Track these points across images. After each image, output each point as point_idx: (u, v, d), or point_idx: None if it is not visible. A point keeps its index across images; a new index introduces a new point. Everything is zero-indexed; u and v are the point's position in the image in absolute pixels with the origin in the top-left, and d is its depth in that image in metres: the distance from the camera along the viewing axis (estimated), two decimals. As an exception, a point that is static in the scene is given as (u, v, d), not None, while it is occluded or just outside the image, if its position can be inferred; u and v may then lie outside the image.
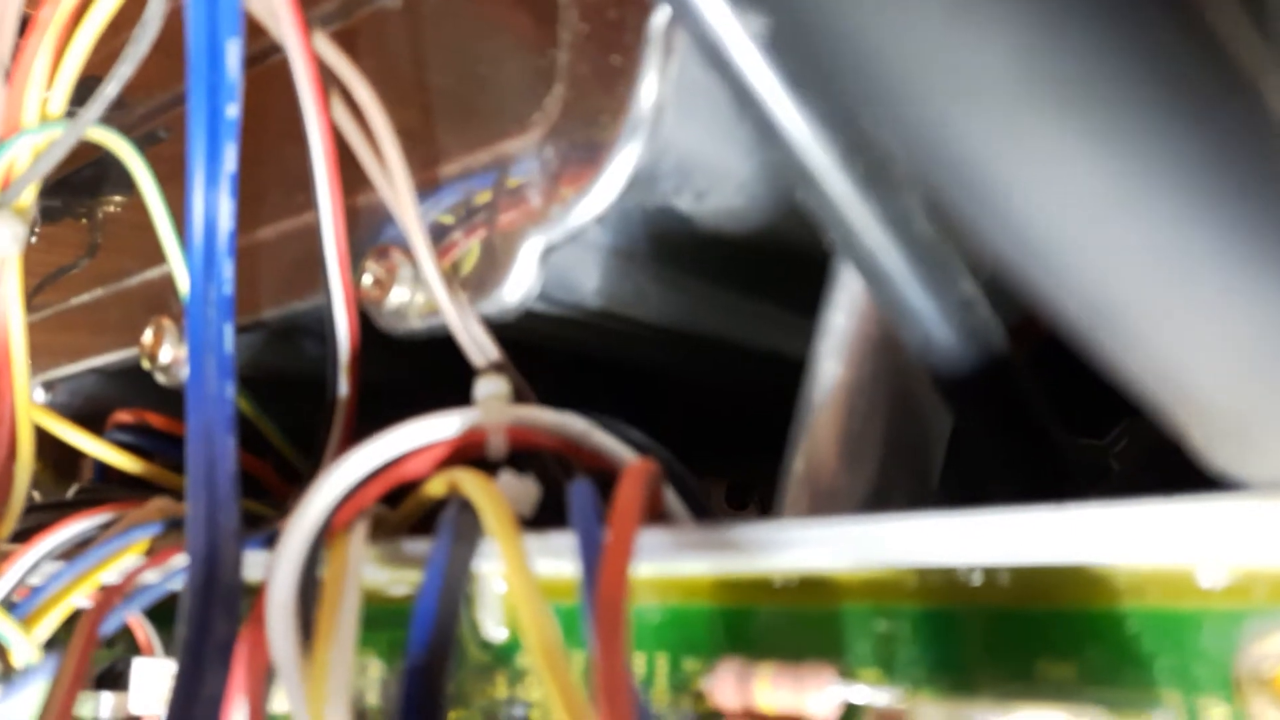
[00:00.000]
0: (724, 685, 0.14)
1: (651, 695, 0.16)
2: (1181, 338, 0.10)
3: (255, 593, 0.17)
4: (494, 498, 0.16)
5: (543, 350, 0.23)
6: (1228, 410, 0.11)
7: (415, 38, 0.23)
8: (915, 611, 0.14)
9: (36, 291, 0.34)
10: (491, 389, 0.20)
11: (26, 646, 0.20)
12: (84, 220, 0.33)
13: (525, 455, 0.19)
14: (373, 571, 0.18)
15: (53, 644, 0.20)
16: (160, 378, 0.28)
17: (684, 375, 0.29)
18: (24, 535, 0.23)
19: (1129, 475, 0.23)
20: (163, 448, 0.31)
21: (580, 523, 0.15)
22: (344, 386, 0.23)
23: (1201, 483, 0.12)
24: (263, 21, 0.22)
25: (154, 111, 0.30)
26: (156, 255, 0.25)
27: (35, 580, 0.21)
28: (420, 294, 0.22)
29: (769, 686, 0.14)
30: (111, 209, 0.32)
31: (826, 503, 0.18)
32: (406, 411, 0.19)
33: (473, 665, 0.18)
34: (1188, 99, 0.09)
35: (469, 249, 0.21)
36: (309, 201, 0.22)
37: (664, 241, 0.22)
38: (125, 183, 0.25)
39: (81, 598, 0.21)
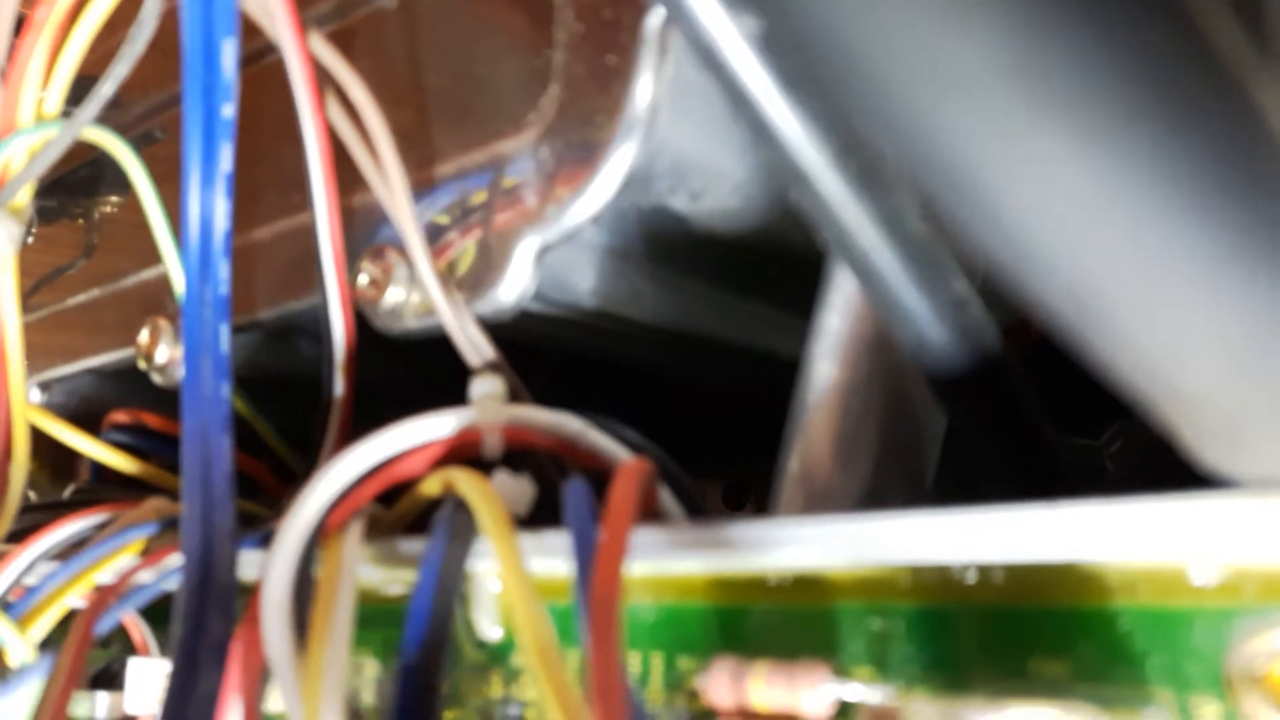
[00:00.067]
0: (718, 684, 0.14)
1: (646, 694, 0.16)
2: (1170, 336, 0.10)
3: (250, 592, 0.17)
4: (489, 497, 0.16)
5: (538, 350, 0.23)
6: (1217, 408, 0.11)
7: (411, 38, 0.23)
8: (909, 610, 0.14)
9: (33, 292, 0.34)
10: (487, 388, 0.20)
11: (22, 646, 0.20)
12: (80, 221, 0.33)
13: (520, 455, 0.19)
14: (368, 571, 0.18)
15: (48, 644, 0.20)
16: (156, 378, 0.28)
17: (679, 375, 0.29)
18: (20, 535, 0.23)
19: (1123, 475, 0.23)
20: (159, 448, 0.31)
21: (575, 522, 0.15)
22: (339, 386, 0.23)
23: (1195, 482, 0.12)
24: (258, 21, 0.22)
25: (150, 111, 0.30)
26: (153, 255, 0.25)
27: (31, 580, 0.21)
28: (416, 294, 0.22)
29: (763, 685, 0.14)
30: (108, 209, 0.32)
31: (821, 502, 0.18)
32: (402, 411, 0.19)
33: (468, 665, 0.18)
34: (1174, 98, 0.09)
35: (465, 249, 0.21)
36: (305, 202, 0.22)
37: (659, 241, 0.22)
38: (121, 183, 0.25)
39: (77, 598, 0.21)
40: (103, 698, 0.22)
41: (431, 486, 0.18)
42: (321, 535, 0.17)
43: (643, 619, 0.16)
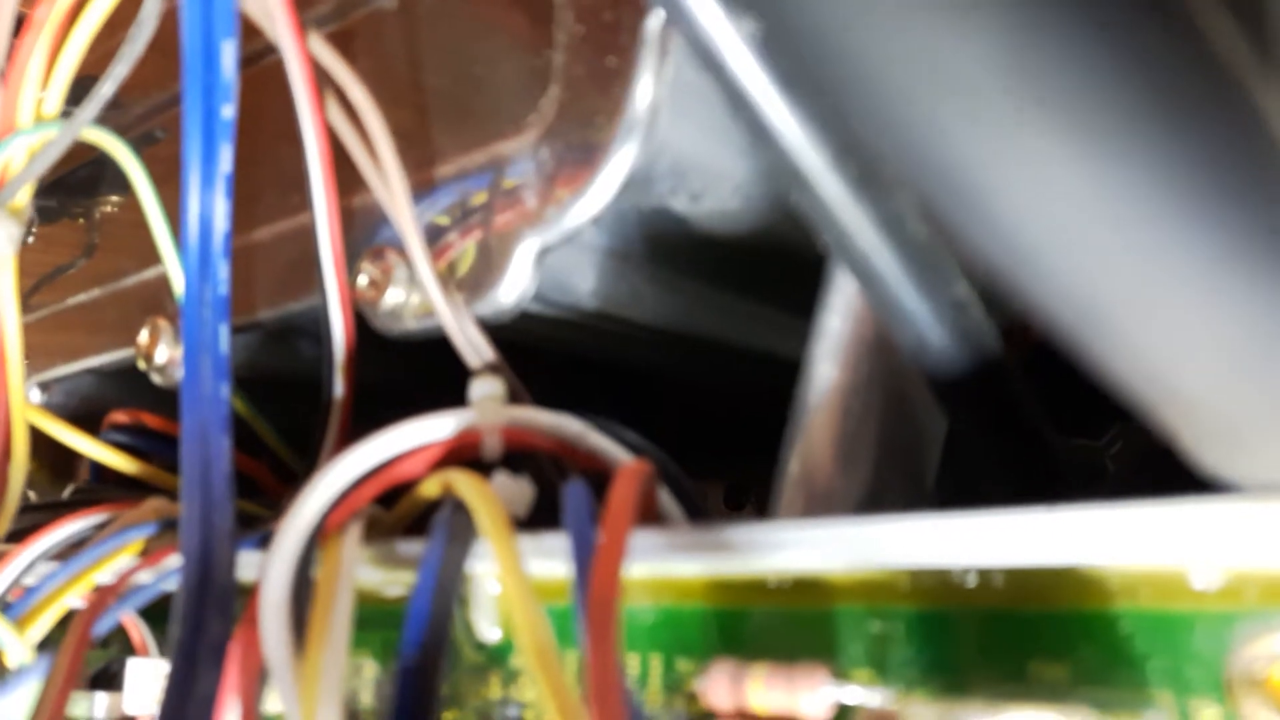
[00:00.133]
0: (717, 686, 0.14)
1: (645, 696, 0.16)
2: (1169, 339, 0.10)
3: (250, 593, 0.17)
4: (488, 499, 0.16)
5: (538, 351, 0.23)
6: (1216, 411, 0.11)
7: (411, 39, 0.23)
8: (908, 613, 0.14)
9: (33, 292, 0.34)
10: (486, 390, 0.20)
11: (20, 647, 0.20)
12: (81, 220, 0.33)
13: (520, 456, 0.19)
14: (367, 572, 0.18)
15: (47, 644, 0.20)
16: (156, 378, 0.28)
17: (680, 376, 0.29)
18: (19, 535, 0.23)
19: (1124, 477, 0.23)
20: (158, 448, 0.31)
21: (573, 523, 0.15)
22: (339, 387, 0.23)
23: (1196, 484, 0.12)
24: (258, 22, 0.22)
25: (150, 112, 0.30)
26: (153, 255, 0.25)
27: (30, 580, 0.21)
28: (415, 295, 0.22)
29: (762, 687, 0.14)
30: (108, 209, 0.32)
31: (821, 505, 0.18)
32: (402, 412, 0.19)
33: (467, 666, 0.18)
34: (1172, 101, 0.09)
35: (465, 250, 0.21)
36: (304, 202, 0.22)
37: (660, 243, 0.22)
38: (122, 183, 0.25)
39: (75, 598, 0.21)
40: (101, 698, 0.22)
41: (431, 488, 0.18)
42: (320, 536, 0.17)
43: (642, 621, 0.16)
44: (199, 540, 0.18)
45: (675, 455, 0.19)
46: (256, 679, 0.16)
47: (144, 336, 0.28)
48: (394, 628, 0.16)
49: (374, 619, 0.19)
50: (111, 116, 0.29)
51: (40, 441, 0.29)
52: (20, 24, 0.24)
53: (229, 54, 0.20)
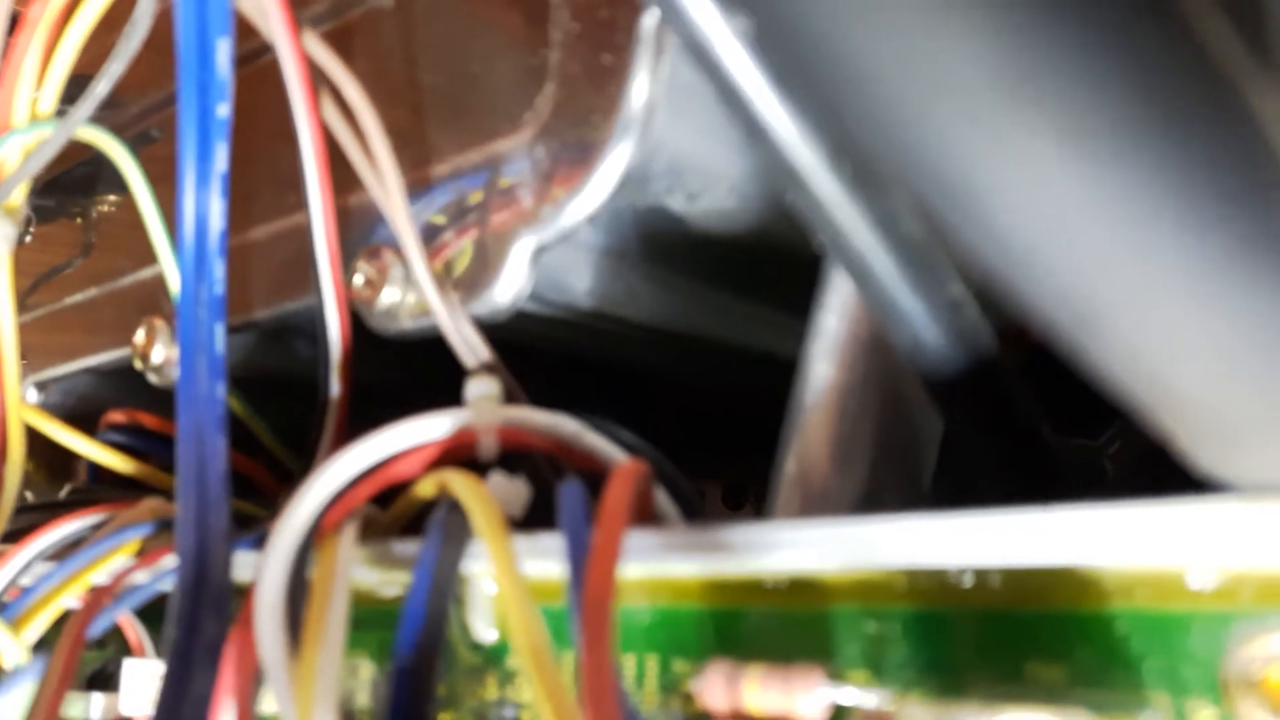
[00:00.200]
0: (713, 687, 0.14)
1: (641, 697, 0.16)
2: (1164, 340, 0.10)
3: (245, 593, 0.17)
4: (483, 499, 0.16)
5: (534, 351, 0.23)
6: (1211, 412, 0.11)
7: (407, 37, 0.23)
8: (905, 613, 0.14)
9: (30, 291, 0.34)
10: (482, 390, 0.20)
11: (15, 648, 0.20)
12: (78, 220, 0.33)
13: (516, 456, 0.19)
14: (363, 573, 0.18)
15: (43, 645, 0.20)
16: (152, 378, 0.28)
17: (677, 376, 0.29)
18: (15, 536, 0.23)
19: (1122, 476, 0.23)
20: (155, 448, 0.31)
21: (568, 523, 0.15)
22: (335, 387, 0.22)
23: (1194, 483, 0.12)
24: (253, 20, 0.22)
25: (147, 111, 0.30)
26: (150, 255, 0.25)
27: (26, 581, 0.21)
28: (411, 294, 0.22)
29: (758, 688, 0.14)
30: (106, 208, 0.32)
31: (818, 504, 0.18)
32: (398, 412, 0.19)
33: (463, 667, 0.18)
34: (1168, 102, 0.09)
35: (461, 249, 0.21)
36: (300, 202, 0.22)
37: (656, 242, 0.22)
38: (119, 182, 0.25)
39: (71, 599, 0.21)
40: (98, 699, 0.22)
41: (426, 488, 0.18)
42: (316, 536, 0.17)
43: (638, 622, 0.16)
44: (194, 540, 0.18)
45: (672, 455, 0.19)
46: (252, 679, 0.16)
47: (140, 336, 0.28)
48: (390, 628, 0.16)
49: (370, 620, 0.19)
50: (108, 116, 0.29)
51: (37, 442, 0.29)
52: (15, 22, 0.24)
53: (224, 52, 0.20)
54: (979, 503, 0.13)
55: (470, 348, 0.21)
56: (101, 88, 0.23)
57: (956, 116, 0.09)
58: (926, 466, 0.19)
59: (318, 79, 0.22)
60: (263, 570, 0.16)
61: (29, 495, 0.33)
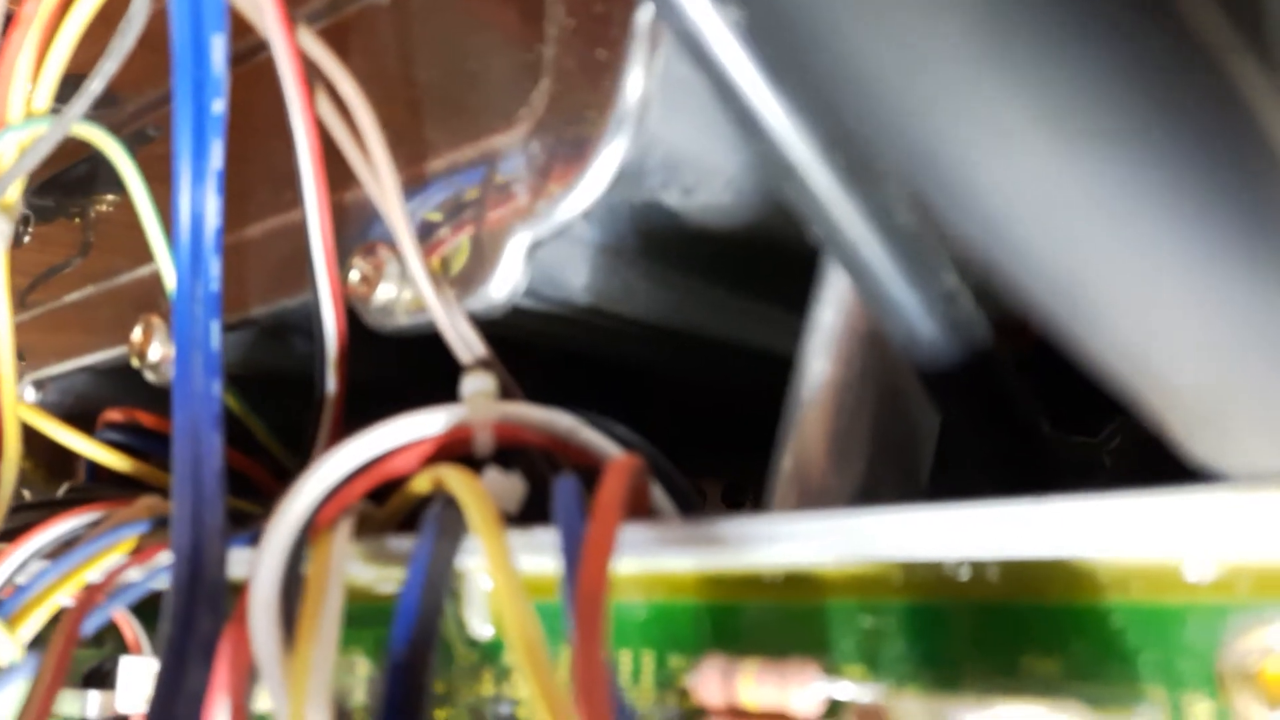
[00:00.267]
0: (708, 682, 0.14)
1: (637, 693, 0.16)
2: (1156, 328, 0.10)
3: (241, 590, 0.17)
4: (478, 494, 0.16)
5: (530, 347, 0.23)
6: (1204, 401, 0.11)
7: (402, 34, 0.23)
8: (901, 607, 0.14)
9: (29, 290, 0.34)
10: (478, 385, 0.20)
11: (10, 645, 0.20)
12: (77, 219, 0.33)
13: (512, 452, 0.19)
14: (359, 569, 0.18)
15: (38, 643, 0.20)
16: (149, 376, 0.28)
17: (673, 372, 0.29)
18: (12, 534, 0.23)
19: (1121, 473, 0.23)
20: (153, 446, 0.31)
21: (563, 517, 0.15)
22: (332, 383, 0.22)
23: (1192, 478, 0.12)
24: (248, 17, 0.22)
25: (144, 109, 0.30)
26: (147, 253, 0.25)
27: (22, 579, 0.21)
28: (407, 291, 0.22)
29: (753, 683, 0.14)
30: (104, 208, 0.32)
31: (815, 500, 0.18)
32: (394, 408, 0.19)
33: (460, 663, 0.18)
34: (1158, 90, 0.08)
35: (457, 246, 0.21)
36: (296, 199, 0.22)
37: (652, 237, 0.22)
38: (117, 181, 0.25)
39: (66, 596, 0.20)
40: (94, 696, 0.22)
41: (422, 484, 0.18)
42: (311, 533, 0.17)
43: (634, 617, 0.16)
44: (189, 537, 0.18)
45: (672, 452, 0.19)
46: (246, 676, 0.16)
47: (137, 334, 0.28)
48: (386, 625, 0.16)
49: (366, 616, 0.19)
50: (105, 114, 0.29)
51: (36, 440, 0.29)
52: (9, 19, 0.24)
53: (219, 49, 0.20)
54: (975, 496, 0.13)
55: (466, 344, 0.21)
56: (96, 85, 0.23)
57: (949, 105, 0.09)
58: (924, 462, 0.19)
59: (313, 76, 0.22)
60: (257, 566, 0.16)
61: (27, 494, 0.33)
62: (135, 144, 0.28)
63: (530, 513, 0.18)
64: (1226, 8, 0.09)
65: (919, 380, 0.17)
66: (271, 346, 0.28)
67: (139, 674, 0.21)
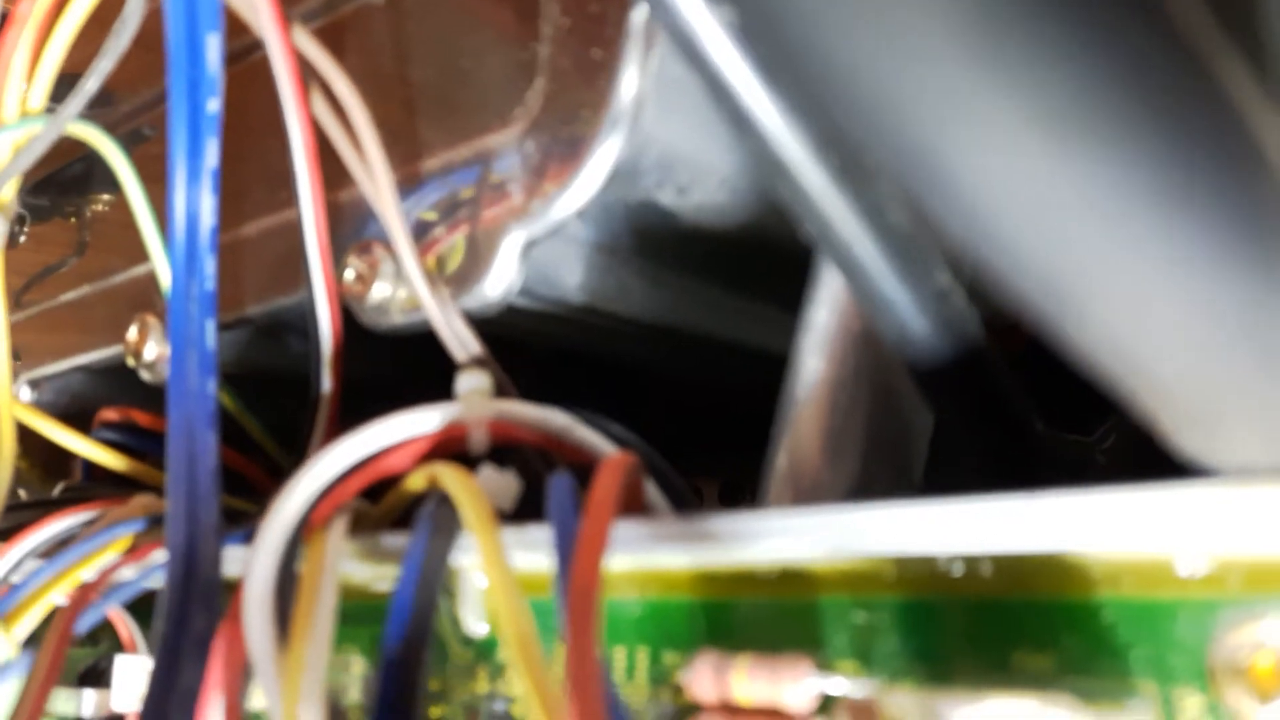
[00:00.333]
0: (701, 678, 0.14)
1: (631, 689, 0.16)
2: (1145, 324, 0.10)
3: (235, 588, 0.17)
4: (472, 492, 0.16)
5: (525, 346, 0.23)
6: (1194, 398, 0.11)
7: (397, 32, 0.23)
8: (894, 602, 0.14)
9: (25, 290, 0.34)
10: (473, 384, 0.20)
11: (4, 644, 0.20)
12: (73, 219, 0.33)
13: (507, 450, 0.19)
14: (354, 567, 0.18)
15: (33, 641, 0.20)
16: (145, 375, 0.28)
17: (669, 371, 0.29)
18: (7, 534, 0.23)
19: (1115, 470, 0.23)
20: (149, 446, 0.31)
21: (556, 514, 0.15)
22: (327, 382, 0.22)
23: (1185, 475, 0.12)
24: (243, 16, 0.22)
25: (139, 108, 0.30)
26: (143, 252, 0.25)
27: (17, 578, 0.21)
28: (402, 289, 0.22)
29: (746, 678, 0.14)
30: (99, 207, 0.32)
31: (809, 498, 0.18)
32: (390, 407, 0.19)
33: (454, 660, 0.18)
34: (1148, 87, 0.09)
35: (452, 244, 0.21)
36: (291, 197, 0.22)
37: (647, 236, 0.22)
38: (112, 180, 0.25)
39: (60, 595, 0.21)
40: (89, 695, 0.22)
41: (416, 482, 0.18)
42: (305, 531, 0.17)
43: (628, 614, 0.16)
44: (184, 535, 0.18)
45: (668, 451, 0.19)
46: (240, 673, 0.16)
47: (133, 333, 0.28)
48: (381, 623, 0.16)
49: (361, 614, 0.19)
50: (100, 114, 0.29)
51: (32, 440, 0.29)
52: (4, 19, 0.24)
53: (214, 48, 0.20)
54: (968, 492, 0.13)
55: (461, 342, 0.21)
56: (91, 84, 0.23)
57: (940, 105, 0.09)
58: (918, 460, 0.19)
59: (308, 75, 0.22)
60: (251, 564, 0.16)
61: (22, 493, 0.33)
62: (130, 143, 0.28)
63: (525, 511, 0.18)
64: (1216, 9, 0.09)
65: (912, 378, 0.17)
66: (266, 345, 0.28)
67: (134, 672, 0.21)
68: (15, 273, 0.33)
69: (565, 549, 0.14)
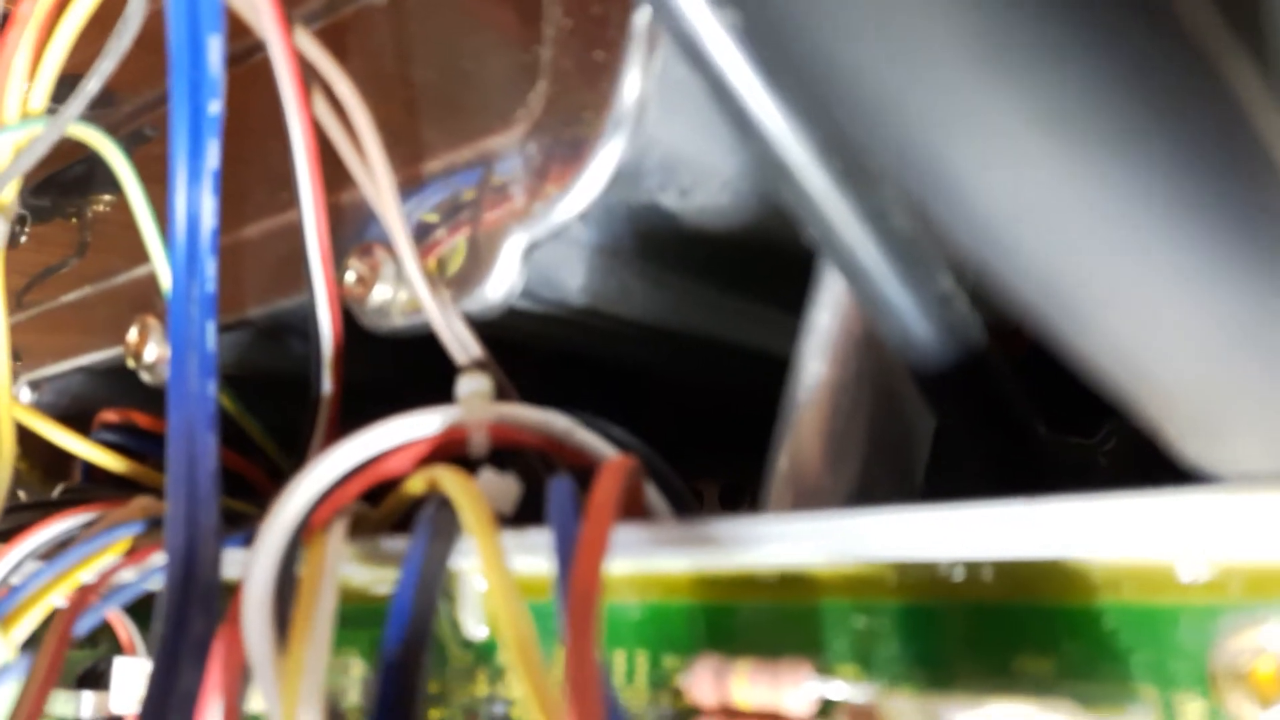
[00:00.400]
0: (701, 682, 0.14)
1: (631, 693, 0.16)
2: (1148, 330, 0.10)
3: (235, 591, 0.17)
4: (472, 495, 0.16)
5: (527, 348, 0.23)
6: (1197, 403, 0.11)
7: (400, 34, 0.23)
8: (894, 607, 0.14)
9: (25, 291, 0.34)
10: (474, 386, 0.20)
11: (3, 646, 0.20)
12: (74, 220, 0.33)
13: (508, 453, 0.19)
14: (354, 570, 0.18)
15: (32, 644, 0.20)
16: (145, 376, 0.28)
17: (670, 374, 0.29)
18: (6, 535, 0.23)
19: (1117, 474, 0.23)
20: (149, 447, 0.31)
21: (557, 517, 0.14)
22: (327, 384, 0.22)
23: (1187, 479, 0.12)
24: (245, 18, 0.22)
25: (140, 110, 0.30)
26: (144, 254, 0.25)
27: (16, 580, 0.21)
28: (403, 292, 0.22)
29: (746, 683, 0.14)
30: (100, 208, 0.32)
31: (810, 501, 0.18)
32: (390, 409, 0.19)
33: (454, 663, 0.18)
34: (1151, 92, 0.08)
35: (453, 247, 0.21)
36: (293, 199, 0.22)
37: (649, 239, 0.22)
38: (113, 181, 0.25)
39: (60, 597, 0.20)
40: (88, 697, 0.22)
41: (416, 485, 0.18)
42: (305, 534, 0.17)
43: (628, 618, 0.16)
44: (184, 537, 0.18)
45: (669, 454, 0.19)
46: (239, 676, 0.16)
47: (133, 335, 0.28)
48: (380, 626, 0.16)
49: (361, 617, 0.19)
50: (102, 115, 0.29)
51: (31, 441, 0.29)
52: (5, 20, 0.24)
53: (215, 49, 0.20)
54: (969, 497, 0.13)
55: (462, 345, 0.21)
56: (92, 85, 0.23)
57: (944, 108, 0.09)
58: (919, 463, 0.19)
59: (309, 76, 0.22)
60: (251, 567, 0.16)
61: (22, 495, 0.33)
62: (132, 144, 0.28)
63: (526, 514, 0.18)
64: (1224, 11, 0.09)
65: (914, 382, 0.17)
66: (267, 347, 0.28)
67: (133, 675, 0.21)
68: (16, 273, 0.33)
69: (565, 552, 0.14)
